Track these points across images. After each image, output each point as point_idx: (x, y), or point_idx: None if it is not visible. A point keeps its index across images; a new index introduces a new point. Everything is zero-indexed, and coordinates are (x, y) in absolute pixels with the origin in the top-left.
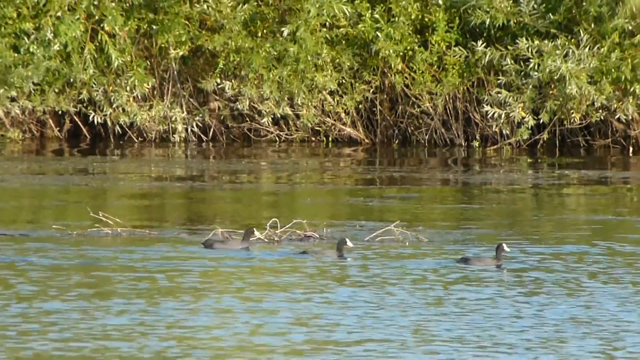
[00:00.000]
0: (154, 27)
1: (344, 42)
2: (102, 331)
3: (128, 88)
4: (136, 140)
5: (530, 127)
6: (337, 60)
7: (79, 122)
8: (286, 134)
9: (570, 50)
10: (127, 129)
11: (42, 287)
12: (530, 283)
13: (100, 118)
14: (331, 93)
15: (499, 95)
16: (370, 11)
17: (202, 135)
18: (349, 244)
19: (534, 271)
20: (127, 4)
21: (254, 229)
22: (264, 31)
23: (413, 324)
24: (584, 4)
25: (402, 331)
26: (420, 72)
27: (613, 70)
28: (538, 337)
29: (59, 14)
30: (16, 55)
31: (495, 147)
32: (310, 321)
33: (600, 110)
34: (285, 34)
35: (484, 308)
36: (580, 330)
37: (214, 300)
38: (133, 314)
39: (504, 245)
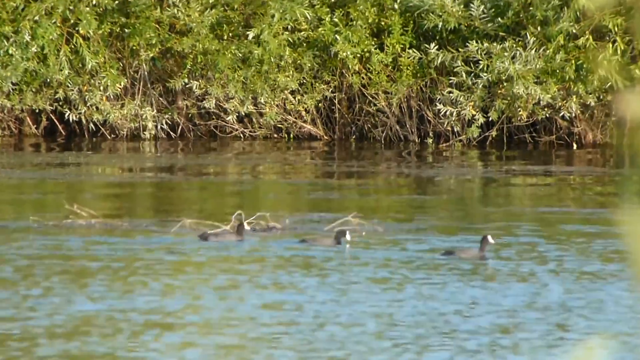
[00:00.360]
0: (126, 30)
1: (305, 44)
2: (78, 316)
3: (101, 88)
4: (109, 137)
5: (479, 125)
6: (299, 61)
7: (55, 120)
8: (250, 131)
9: (518, 52)
10: (100, 126)
11: (23, 274)
12: (484, 271)
13: (75, 116)
14: (292, 92)
15: (451, 94)
16: (329, 16)
17: (170, 132)
18: (348, 236)
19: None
20: (101, 9)
21: (244, 222)
22: (230, 34)
23: (375, 310)
24: (531, 8)
25: (365, 317)
26: (377, 72)
27: (558, 70)
28: (493, 322)
29: (36, 18)
30: None
31: (447, 143)
32: (279, 306)
33: (546, 109)
34: (250, 37)
35: (441, 295)
36: (533, 315)
37: (187, 286)
38: (108, 301)
39: (489, 237)
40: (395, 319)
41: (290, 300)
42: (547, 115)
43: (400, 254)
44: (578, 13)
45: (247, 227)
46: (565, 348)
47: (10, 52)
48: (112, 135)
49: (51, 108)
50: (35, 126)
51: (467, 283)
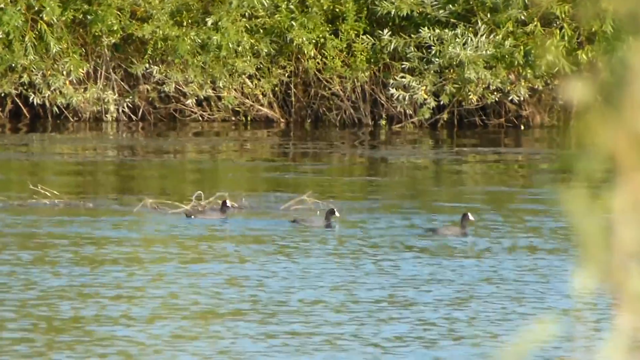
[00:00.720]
0: (89, 17)
1: (262, 31)
2: (43, 294)
3: (65, 72)
4: (72, 120)
5: (431, 108)
6: (256, 47)
7: (20, 104)
8: (209, 114)
9: (469, 38)
10: (63, 110)
11: None
12: (442, 248)
13: (40, 100)
14: (250, 77)
15: (403, 79)
16: (285, 3)
17: (132, 116)
18: (337, 213)
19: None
20: None
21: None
22: (189, 21)
23: (337, 285)
24: (476, 1)
25: (325, 292)
26: (331, 58)
27: (507, 56)
28: (450, 296)
29: (1, 5)
30: None
31: (399, 125)
32: (242, 282)
33: (495, 93)
34: (209, 23)
35: (401, 270)
36: (489, 289)
37: (151, 264)
38: (73, 278)
39: (469, 214)
40: (354, 293)
41: (253, 276)
42: (497, 99)
43: (356, 232)
44: (527, 0)
45: (230, 204)
46: (519, 321)
47: None
48: (75, 118)
49: (16, 92)
50: (0, 109)
51: (424, 259)
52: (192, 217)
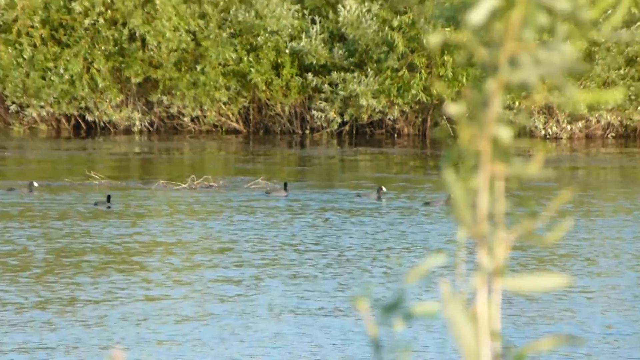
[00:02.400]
0: (123, 65)
1: (231, 74)
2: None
3: (107, 100)
4: (112, 130)
5: (338, 123)
6: (227, 84)
7: (80, 120)
8: (198, 127)
9: (362, 79)
10: (106, 124)
11: (63, 212)
12: (366, 208)
13: (92, 118)
14: (224, 103)
15: (321, 104)
16: (247, 56)
17: (149, 128)
18: (384, 189)
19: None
20: (107, 52)
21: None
22: (186, 68)
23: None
24: (370, 52)
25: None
26: (276, 91)
27: (386, 90)
28: (337, 261)
29: (68, 58)
30: (43, 81)
31: (318, 133)
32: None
33: (379, 113)
34: (198, 69)
35: (341, 231)
36: (396, 233)
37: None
38: (119, 228)
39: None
40: (300, 249)
41: (226, 238)
42: (380, 117)
43: (294, 203)
44: (398, 55)
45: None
46: (406, 254)
47: (52, 79)
48: (114, 129)
49: (77, 113)
50: (67, 124)
51: (353, 221)
52: (270, 194)
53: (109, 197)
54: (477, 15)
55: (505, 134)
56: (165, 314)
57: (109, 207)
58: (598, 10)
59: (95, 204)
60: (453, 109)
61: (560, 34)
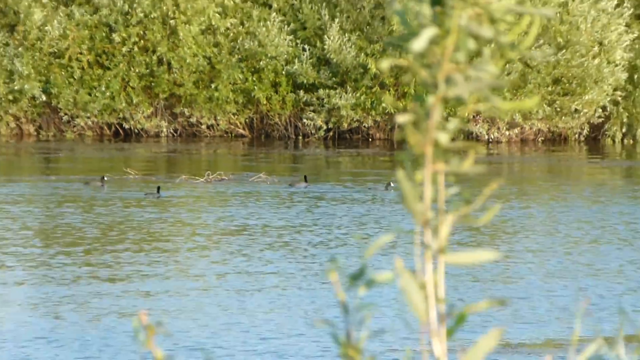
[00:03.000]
0: (152, 84)
1: (239, 90)
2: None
3: (140, 112)
4: (144, 136)
5: (324, 130)
6: (236, 99)
7: (118, 128)
8: (212, 134)
9: (343, 94)
10: (140, 131)
11: (104, 202)
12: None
13: (128, 125)
14: (234, 114)
15: (310, 114)
16: (250, 77)
17: (174, 134)
18: (392, 184)
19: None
20: (140, 73)
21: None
22: (202, 85)
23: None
24: (349, 73)
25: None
26: (274, 104)
27: (362, 103)
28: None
29: (109, 78)
30: (89, 97)
31: (308, 139)
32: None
33: (356, 122)
34: (212, 87)
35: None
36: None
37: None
38: (153, 212)
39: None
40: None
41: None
42: (357, 125)
43: (283, 193)
44: (371, 76)
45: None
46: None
47: (96, 95)
48: (146, 135)
49: (116, 122)
50: (108, 131)
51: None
52: (293, 185)
53: (158, 188)
54: (419, 43)
55: (443, 138)
56: (191, 281)
57: (158, 197)
58: (514, 35)
59: (145, 194)
60: (401, 118)
61: (486, 56)
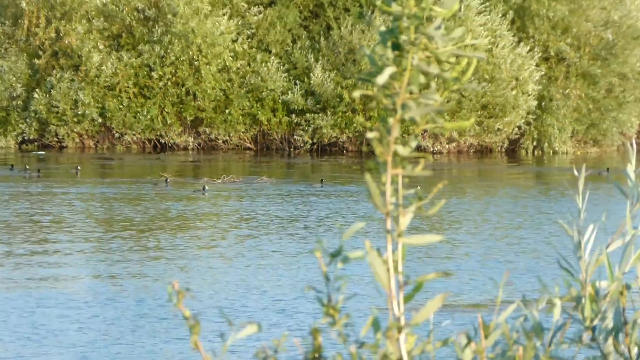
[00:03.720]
0: (182, 109)
1: (247, 115)
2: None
3: (173, 130)
4: (175, 149)
5: (310, 143)
6: (244, 121)
7: (156, 142)
8: (227, 147)
9: (324, 117)
10: (172, 145)
11: (138, 194)
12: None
13: (163, 140)
14: (243, 132)
15: (300, 132)
16: (256, 104)
17: (198, 147)
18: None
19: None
20: (173, 102)
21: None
22: (219, 111)
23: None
24: (329, 101)
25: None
26: (273, 125)
27: (338, 124)
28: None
29: (149, 105)
30: (134, 119)
31: (298, 151)
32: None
33: (334, 138)
34: (227, 112)
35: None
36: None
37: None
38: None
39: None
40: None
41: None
42: (335, 140)
43: (281, 191)
44: (346, 103)
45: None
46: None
47: (140, 117)
48: (177, 148)
49: (155, 138)
50: (149, 145)
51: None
52: (313, 185)
53: (204, 187)
54: (382, 78)
55: (401, 150)
56: (211, 259)
57: (204, 193)
58: (455, 72)
59: (194, 191)
60: (370, 135)
61: (433, 88)
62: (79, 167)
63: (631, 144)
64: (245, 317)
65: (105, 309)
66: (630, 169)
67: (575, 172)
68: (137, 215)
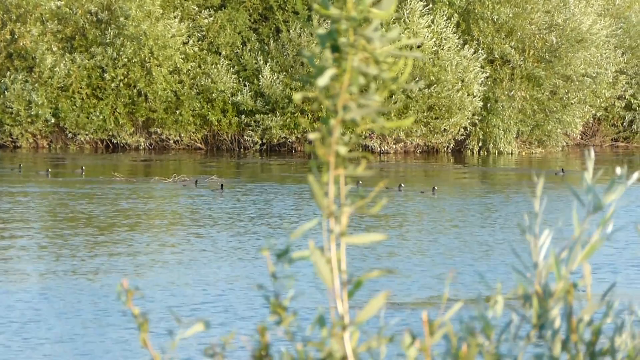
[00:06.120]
0: (134, 110)
1: (197, 115)
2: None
3: (125, 131)
4: (127, 149)
5: (259, 144)
6: (195, 121)
7: (109, 142)
8: (178, 147)
9: (273, 118)
10: (124, 145)
11: (101, 192)
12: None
13: (116, 141)
14: (193, 132)
15: (249, 133)
16: (206, 105)
17: (149, 147)
18: (403, 185)
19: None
20: (125, 102)
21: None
22: (170, 111)
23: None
24: (278, 102)
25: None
26: (223, 125)
27: (287, 125)
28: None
29: (101, 106)
30: (87, 119)
31: (248, 151)
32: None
33: (283, 138)
34: (177, 113)
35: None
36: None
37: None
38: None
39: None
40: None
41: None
42: (284, 140)
43: (234, 190)
44: (294, 105)
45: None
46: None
47: (92, 118)
48: (128, 148)
49: (107, 138)
50: (101, 145)
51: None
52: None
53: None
54: (323, 80)
55: (342, 150)
56: (166, 253)
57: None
58: (393, 73)
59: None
60: (312, 136)
61: (372, 88)
62: (83, 168)
63: (589, 152)
64: (195, 315)
65: (51, 306)
66: (588, 176)
67: (535, 175)
68: (91, 213)
